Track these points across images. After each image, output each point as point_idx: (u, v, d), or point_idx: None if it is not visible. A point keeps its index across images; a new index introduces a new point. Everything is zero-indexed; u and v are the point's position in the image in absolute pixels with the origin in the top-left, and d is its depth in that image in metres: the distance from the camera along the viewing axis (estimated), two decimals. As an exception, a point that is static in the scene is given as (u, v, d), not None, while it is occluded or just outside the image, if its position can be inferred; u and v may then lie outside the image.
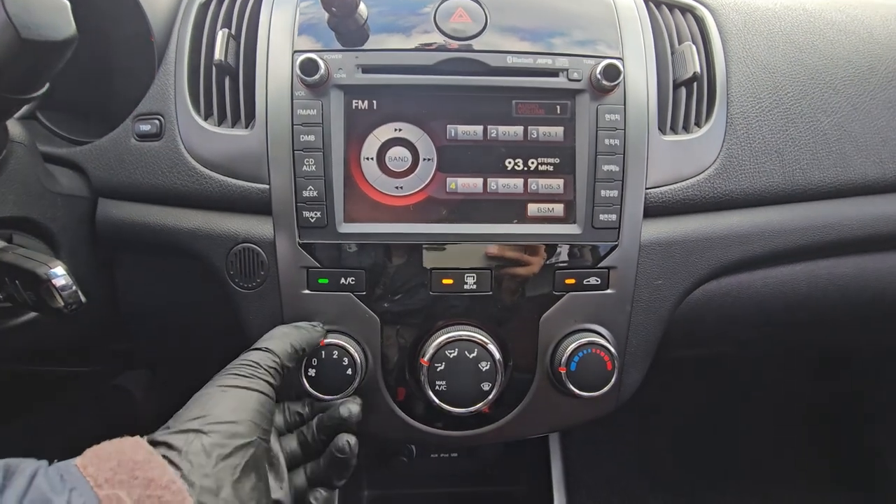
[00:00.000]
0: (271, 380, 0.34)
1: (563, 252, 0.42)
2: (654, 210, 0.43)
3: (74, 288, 0.35)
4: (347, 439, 0.37)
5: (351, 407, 0.38)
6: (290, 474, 0.37)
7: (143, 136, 0.43)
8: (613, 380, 0.41)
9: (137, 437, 0.29)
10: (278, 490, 0.35)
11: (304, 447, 0.38)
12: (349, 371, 0.40)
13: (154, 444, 0.30)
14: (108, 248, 0.46)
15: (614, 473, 0.85)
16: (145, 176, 0.43)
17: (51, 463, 0.28)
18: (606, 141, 0.41)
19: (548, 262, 0.42)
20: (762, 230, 0.45)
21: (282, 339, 0.37)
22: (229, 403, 0.32)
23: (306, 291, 0.41)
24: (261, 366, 0.34)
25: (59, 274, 0.35)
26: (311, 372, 0.40)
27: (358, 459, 0.37)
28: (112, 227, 0.44)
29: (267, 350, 0.36)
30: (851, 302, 0.49)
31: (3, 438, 0.78)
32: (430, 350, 0.40)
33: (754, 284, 0.47)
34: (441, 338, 0.40)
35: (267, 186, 0.41)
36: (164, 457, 0.28)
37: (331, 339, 0.40)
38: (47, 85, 0.32)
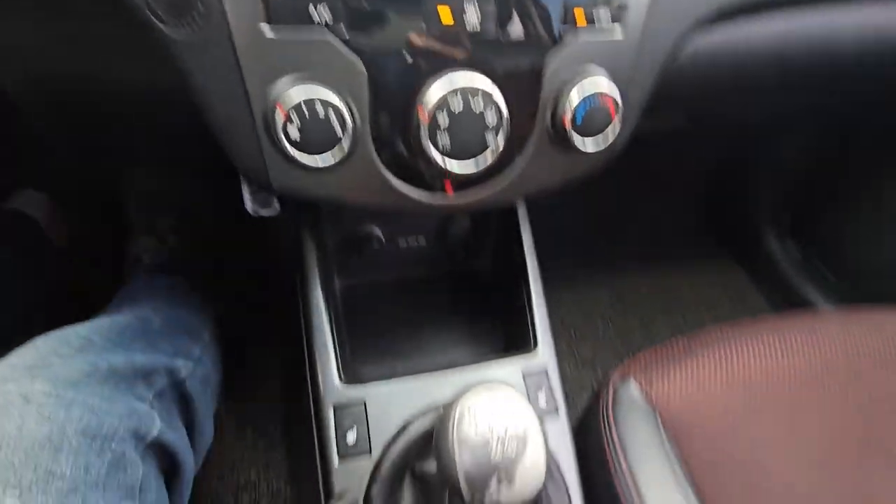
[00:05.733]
0: None
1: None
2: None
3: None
4: None
5: None
6: None
7: None
8: (616, 131, 0.40)
9: None
10: None
11: None
12: (337, 127, 0.34)
13: None
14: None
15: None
16: None
17: None
18: None
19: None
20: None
21: None
22: None
23: (267, 30, 0.32)
24: None
25: None
26: (294, 134, 0.34)
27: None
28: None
29: None
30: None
31: None
32: (431, 100, 0.35)
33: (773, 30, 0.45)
34: (441, 87, 0.35)
35: None
36: None
37: (312, 94, 0.33)
38: None
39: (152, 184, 0.85)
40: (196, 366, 0.50)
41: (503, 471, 0.25)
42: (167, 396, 0.45)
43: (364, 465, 0.44)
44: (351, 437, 0.45)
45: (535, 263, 0.57)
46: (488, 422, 0.26)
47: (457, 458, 0.26)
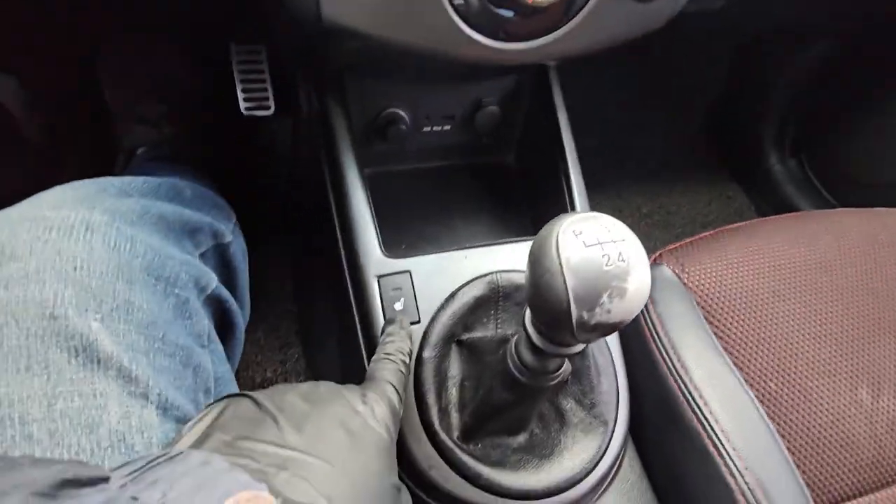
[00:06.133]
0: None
1: None
2: None
3: None
4: None
5: None
6: None
7: None
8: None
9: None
10: None
11: None
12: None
13: None
14: None
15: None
16: None
17: None
18: None
19: None
20: None
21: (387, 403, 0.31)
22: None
23: None
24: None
25: None
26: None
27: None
28: None
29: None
30: None
31: None
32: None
33: None
34: None
35: None
36: None
37: None
38: None
39: (133, 59, 0.77)
40: (236, 238, 0.47)
41: (616, 283, 0.24)
42: (212, 261, 0.42)
43: (414, 332, 0.43)
44: (398, 305, 0.44)
45: (571, 138, 0.55)
46: (595, 235, 0.25)
47: (564, 272, 0.25)
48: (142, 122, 0.76)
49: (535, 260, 0.27)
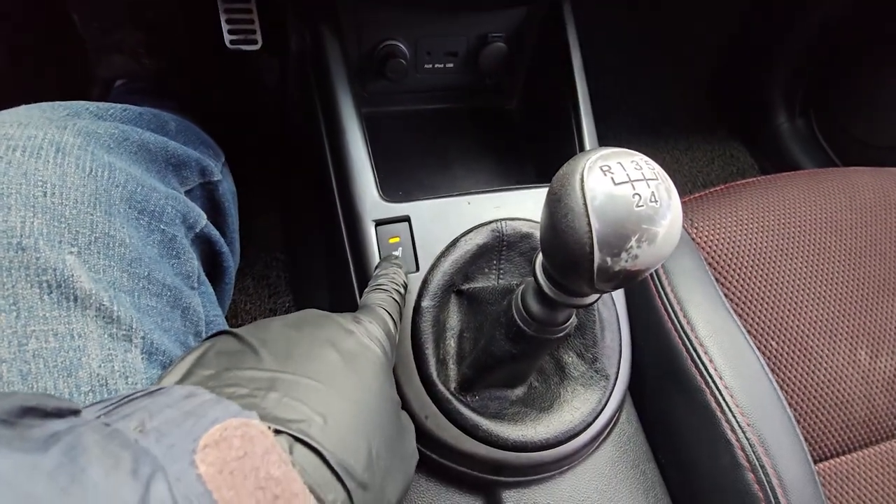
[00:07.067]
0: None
1: None
2: None
3: None
4: None
5: None
6: None
7: None
8: None
9: (269, 436, 0.19)
10: None
11: None
12: None
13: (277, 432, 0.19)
14: None
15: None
16: None
17: None
18: None
19: None
20: None
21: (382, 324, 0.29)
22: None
23: None
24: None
25: None
26: None
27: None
28: None
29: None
30: None
31: None
32: None
33: None
34: None
35: None
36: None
37: None
38: None
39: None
40: (225, 178, 0.44)
41: (647, 226, 0.22)
42: (199, 199, 0.39)
43: (412, 280, 0.41)
44: (397, 253, 0.41)
45: (585, 81, 0.51)
46: (627, 172, 0.23)
47: (589, 212, 0.22)
48: (118, 51, 0.70)
49: (556, 198, 0.24)
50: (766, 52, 1.08)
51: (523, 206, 0.45)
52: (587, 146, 0.50)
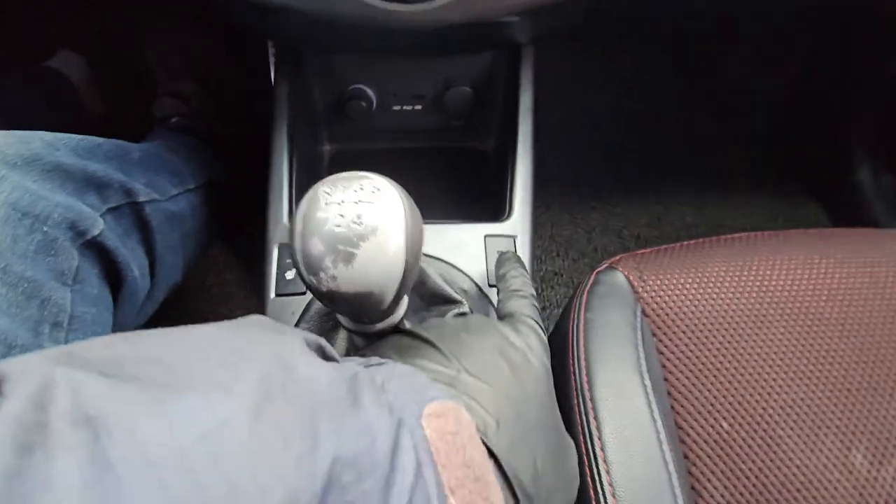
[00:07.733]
0: None
1: None
2: None
3: None
4: None
5: None
6: None
7: None
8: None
9: (473, 425, 0.21)
10: None
11: None
12: None
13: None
14: None
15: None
16: None
17: None
18: None
19: None
20: None
21: None
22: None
23: None
24: None
25: None
26: None
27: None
28: None
29: None
30: None
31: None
32: None
33: None
34: None
35: None
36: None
37: None
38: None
39: (174, 43, 0.85)
40: (164, 201, 0.49)
41: (343, 247, 0.21)
42: (125, 219, 0.44)
43: (297, 303, 0.42)
44: (289, 275, 0.43)
45: (530, 121, 0.50)
46: (343, 194, 0.22)
47: (296, 231, 0.22)
48: (174, 95, 0.83)
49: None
50: (841, 95, 0.95)
51: (442, 239, 0.45)
52: (517, 193, 0.48)
